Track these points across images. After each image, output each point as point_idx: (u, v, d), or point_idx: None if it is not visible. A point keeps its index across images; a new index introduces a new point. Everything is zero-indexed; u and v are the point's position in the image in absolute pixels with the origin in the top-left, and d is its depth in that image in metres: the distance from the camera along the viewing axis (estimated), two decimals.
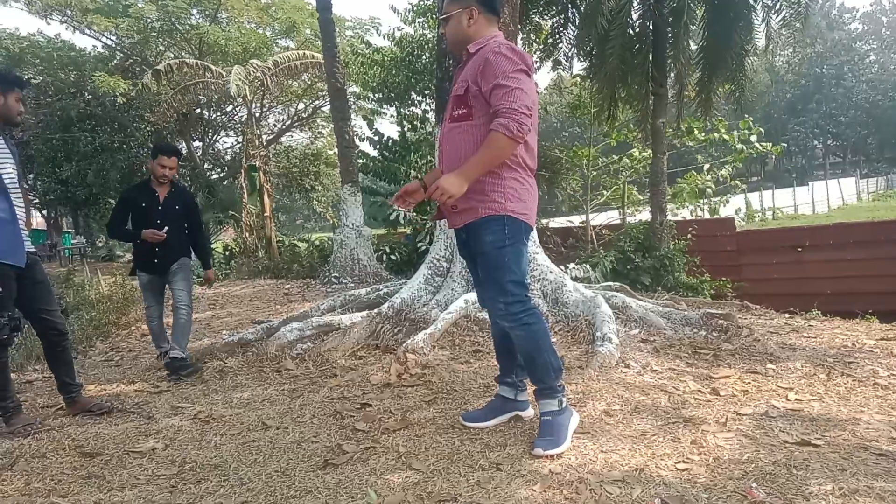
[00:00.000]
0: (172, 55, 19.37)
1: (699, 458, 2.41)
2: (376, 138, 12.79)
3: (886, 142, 54.36)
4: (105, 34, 20.00)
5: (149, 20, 18.50)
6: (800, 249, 10.30)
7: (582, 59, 10.20)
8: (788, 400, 3.05)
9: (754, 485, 2.17)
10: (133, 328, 6.32)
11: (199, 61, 15.44)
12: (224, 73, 14.42)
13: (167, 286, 4.54)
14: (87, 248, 22.22)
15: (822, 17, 49.47)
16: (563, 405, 2.61)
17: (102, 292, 7.67)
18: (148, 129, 18.77)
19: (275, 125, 23.60)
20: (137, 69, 19.48)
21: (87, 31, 19.85)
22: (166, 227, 4.33)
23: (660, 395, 3.16)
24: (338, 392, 3.49)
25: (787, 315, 5.39)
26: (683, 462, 2.39)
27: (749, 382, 3.34)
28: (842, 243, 10.07)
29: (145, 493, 2.39)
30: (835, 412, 2.88)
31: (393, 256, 10.31)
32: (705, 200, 12.17)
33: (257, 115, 17.54)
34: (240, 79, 12.98)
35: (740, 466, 2.33)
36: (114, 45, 20.93)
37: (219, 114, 21.97)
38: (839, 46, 52.09)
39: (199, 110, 20.35)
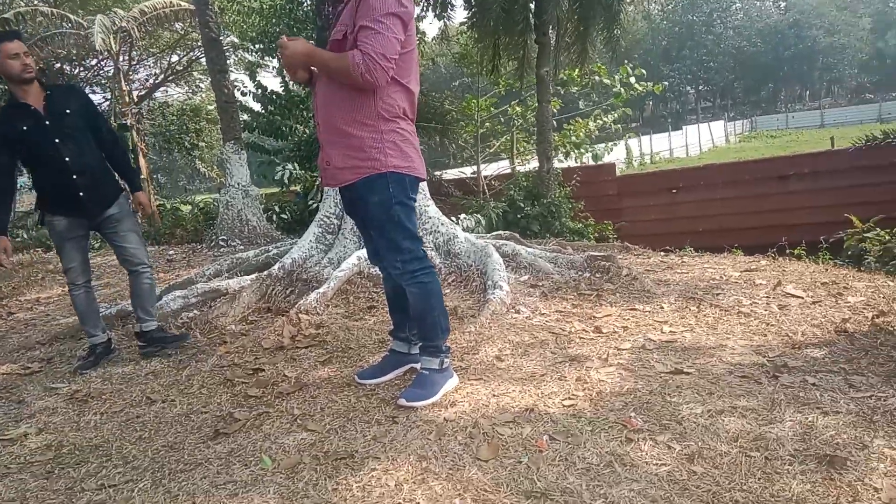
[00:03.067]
0: (23, 2, 17.41)
1: (584, 394, 2.55)
2: (259, 92, 12.20)
3: (751, 86, 58.49)
4: None
5: None
6: (674, 191, 10.96)
7: (465, 8, 10.11)
8: (663, 332, 3.27)
9: (633, 414, 2.32)
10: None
11: (54, 10, 13.99)
12: (84, 24, 13.19)
13: (106, 241, 3.47)
14: None
15: None
16: (445, 366, 2.65)
17: None
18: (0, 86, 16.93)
19: (146, 79, 21.95)
20: None
21: None
22: (69, 146, 3.25)
23: (548, 337, 3.30)
24: (228, 359, 3.37)
25: (662, 253, 5.74)
26: (570, 398, 2.51)
27: (628, 319, 3.54)
28: (712, 184, 10.81)
29: (17, 483, 2.23)
30: (704, 341, 3.11)
31: (283, 216, 10.01)
32: (589, 147, 12.61)
33: (125, 68, 16.19)
34: (104, 29, 11.92)
35: (620, 398, 2.48)
36: None
37: (81, 68, 20.14)
38: None
39: (58, 65, 18.54)
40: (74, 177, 3.28)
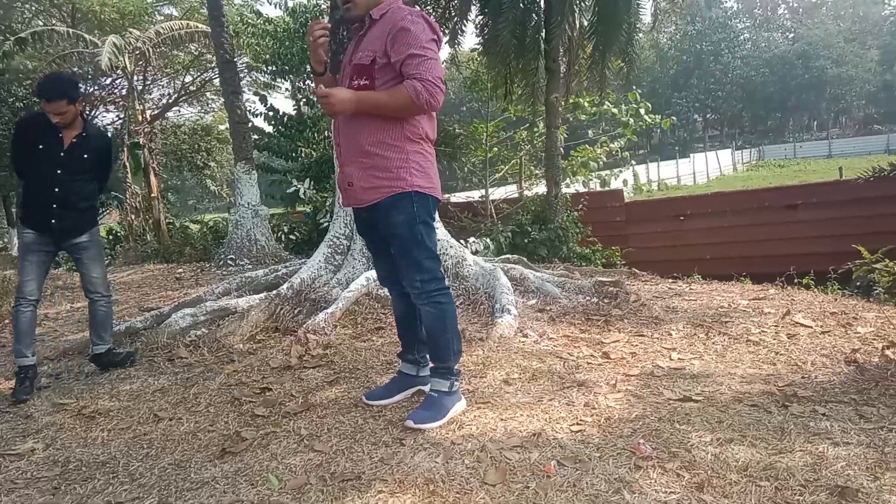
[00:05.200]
0: (42, 23, 17.70)
1: (592, 420, 2.54)
2: (271, 114, 12.35)
3: (758, 115, 58.62)
4: None
5: None
6: (682, 218, 10.95)
7: (477, 34, 10.24)
8: (672, 360, 3.26)
9: (642, 441, 2.31)
10: (7, 321, 5.83)
11: (71, 30, 14.24)
12: (99, 44, 13.42)
13: (74, 266, 3.72)
14: None
15: None
16: (454, 388, 2.65)
17: None
18: (17, 104, 17.16)
19: (160, 99, 22.20)
20: (2, 38, 17.68)
21: None
22: (65, 181, 3.50)
23: (555, 362, 3.29)
24: (235, 378, 3.38)
25: (670, 280, 5.74)
26: (577, 424, 2.50)
27: (636, 345, 3.53)
28: (719, 211, 10.80)
29: (24, 498, 2.23)
30: (713, 368, 3.10)
31: (292, 236, 10.06)
32: (596, 174, 12.67)
33: (139, 88, 16.42)
34: (114, 49, 12.11)
35: (629, 424, 2.47)
36: None
37: (96, 87, 20.42)
38: (716, 24, 55.35)
39: None
40: (54, 206, 3.51)
